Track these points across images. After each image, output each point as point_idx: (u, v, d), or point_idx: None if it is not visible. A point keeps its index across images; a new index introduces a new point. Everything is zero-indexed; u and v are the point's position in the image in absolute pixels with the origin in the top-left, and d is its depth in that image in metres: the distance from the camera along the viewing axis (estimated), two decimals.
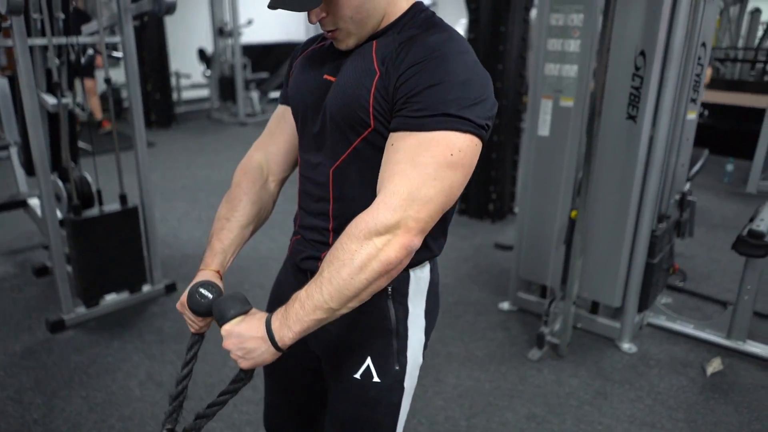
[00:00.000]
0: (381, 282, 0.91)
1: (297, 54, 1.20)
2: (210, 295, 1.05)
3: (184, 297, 1.08)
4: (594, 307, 2.86)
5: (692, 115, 2.77)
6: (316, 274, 0.93)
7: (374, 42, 1.01)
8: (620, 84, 2.44)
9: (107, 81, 2.79)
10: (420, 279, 1.13)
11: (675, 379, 2.52)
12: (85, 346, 2.71)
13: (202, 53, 8.43)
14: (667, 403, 2.37)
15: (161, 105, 7.71)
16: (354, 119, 0.98)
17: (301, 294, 0.94)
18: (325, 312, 0.92)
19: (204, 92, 9.25)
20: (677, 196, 2.95)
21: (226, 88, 8.31)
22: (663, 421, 2.26)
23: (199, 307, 1.05)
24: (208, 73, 8.58)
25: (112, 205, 2.90)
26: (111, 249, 2.89)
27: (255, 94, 8.31)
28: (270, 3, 0.95)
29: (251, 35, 8.62)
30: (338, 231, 1.08)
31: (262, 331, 0.95)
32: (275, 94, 8.70)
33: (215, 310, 1.01)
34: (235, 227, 1.16)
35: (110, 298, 3.01)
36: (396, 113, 0.94)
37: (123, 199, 2.91)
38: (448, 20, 1.07)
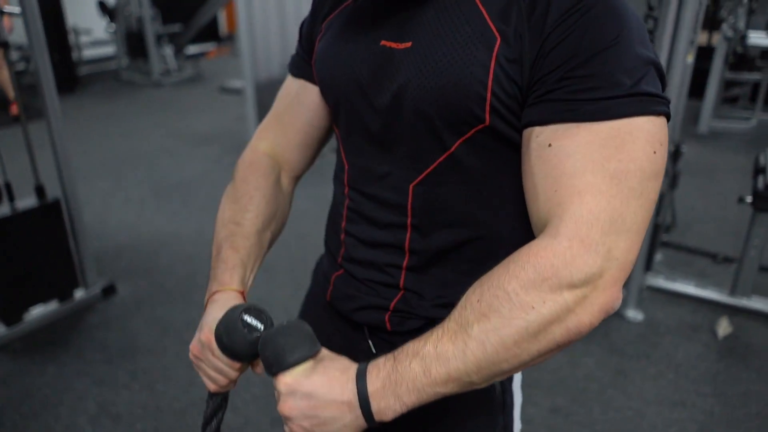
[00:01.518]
0: (552, 355, 0.59)
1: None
2: (260, 326, 0.68)
3: (204, 333, 0.70)
4: None
5: (690, 59, 2.54)
6: (447, 320, 0.60)
7: None
8: None
9: (4, 45, 2.19)
10: None
11: (690, 347, 2.36)
12: (12, 377, 2.21)
13: (102, 5, 7.49)
14: (689, 375, 2.21)
15: (61, 67, 6.67)
16: (457, 112, 0.64)
17: (426, 350, 0.59)
18: (461, 386, 0.59)
19: (109, 50, 8.25)
20: (671, 148, 2.75)
21: (134, 44, 7.41)
22: (692, 398, 2.09)
23: (242, 345, 0.68)
24: (112, 27, 7.63)
25: (26, 200, 2.35)
26: (30, 253, 2.37)
27: (169, 50, 7.49)
28: None
29: None
30: (417, 270, 0.75)
31: (349, 392, 0.60)
32: (194, 50, 7.89)
33: (267, 349, 0.65)
34: (250, 232, 0.80)
35: (36, 311, 2.48)
36: (544, 95, 0.59)
37: (40, 191, 2.36)
38: None
